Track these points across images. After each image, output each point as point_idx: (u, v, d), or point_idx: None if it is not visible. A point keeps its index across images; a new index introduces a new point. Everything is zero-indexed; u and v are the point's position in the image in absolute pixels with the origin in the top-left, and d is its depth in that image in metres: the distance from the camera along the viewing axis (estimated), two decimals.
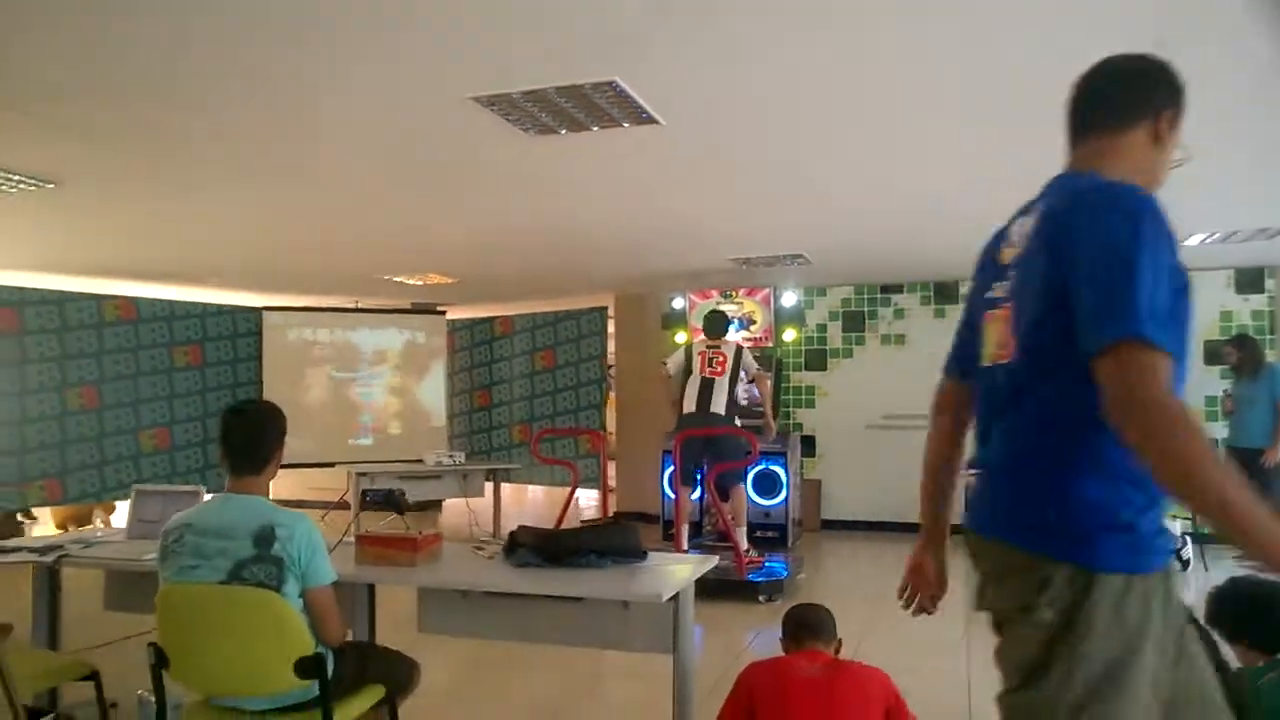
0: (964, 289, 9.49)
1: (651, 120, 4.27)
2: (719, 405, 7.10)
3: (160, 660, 2.70)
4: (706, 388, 7.14)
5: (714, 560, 3.59)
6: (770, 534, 8.45)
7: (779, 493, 8.62)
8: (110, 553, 3.70)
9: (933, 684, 4.40)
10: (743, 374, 7.29)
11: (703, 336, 7.46)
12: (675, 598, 3.06)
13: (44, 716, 3.64)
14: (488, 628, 3.48)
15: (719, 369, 7.17)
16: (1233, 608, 2.87)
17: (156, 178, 5.50)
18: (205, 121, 4.42)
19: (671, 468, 7.62)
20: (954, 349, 2.15)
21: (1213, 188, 5.77)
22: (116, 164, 5.16)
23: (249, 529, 2.64)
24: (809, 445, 9.97)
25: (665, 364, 7.55)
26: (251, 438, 2.82)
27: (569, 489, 8.00)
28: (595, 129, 4.40)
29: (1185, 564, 7.35)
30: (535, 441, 8.72)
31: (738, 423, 7.31)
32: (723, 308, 9.35)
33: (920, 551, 2.21)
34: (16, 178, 5.30)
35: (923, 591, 2.19)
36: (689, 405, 7.16)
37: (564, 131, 4.45)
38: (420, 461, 9.17)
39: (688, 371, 7.27)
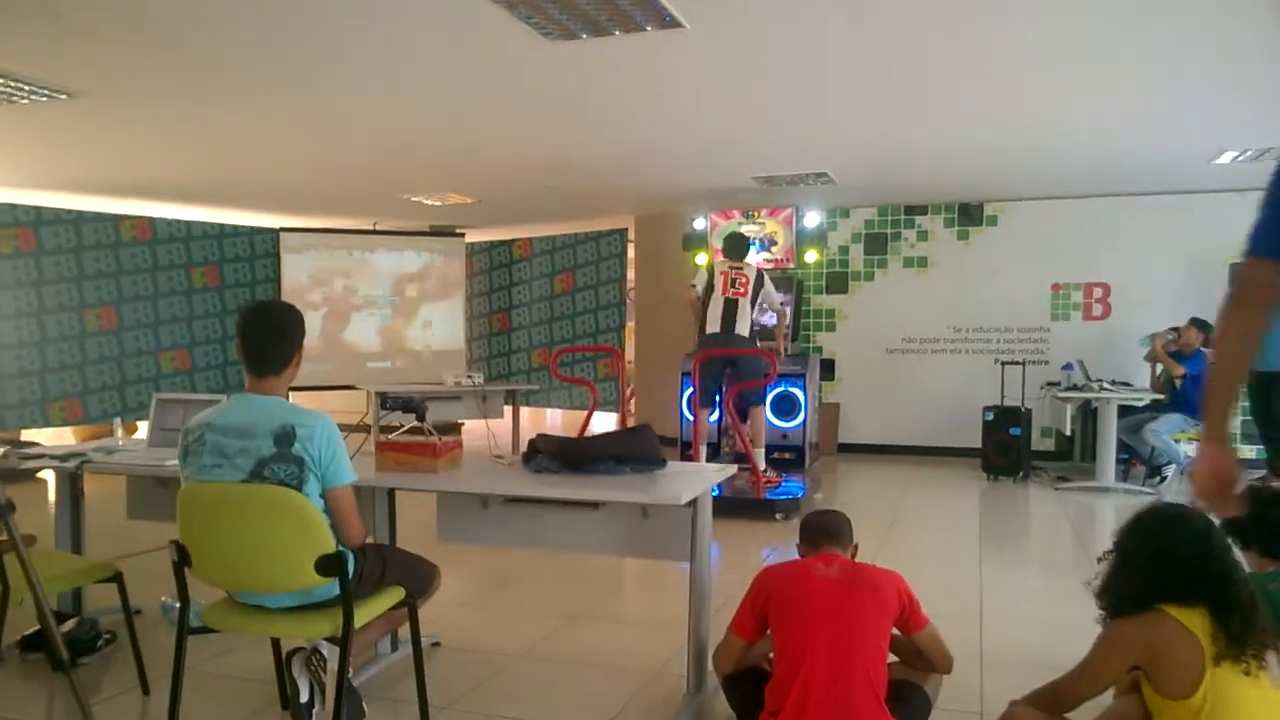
0: (989, 211, 9.43)
1: (675, 24, 4.16)
2: (743, 326, 7.04)
3: (182, 558, 2.72)
4: (730, 308, 7.06)
5: (732, 469, 3.59)
6: (788, 455, 8.46)
7: (797, 415, 8.62)
8: (132, 460, 3.73)
9: (947, 593, 4.42)
10: (763, 300, 7.21)
11: (723, 258, 7.37)
12: (694, 504, 3.06)
13: (69, 619, 3.70)
14: (506, 535, 3.50)
15: (742, 290, 7.09)
16: (1247, 517, 2.86)
17: (173, 91, 5.44)
18: (220, 32, 4.35)
19: (690, 390, 7.61)
20: (1271, 234, 1.97)
21: (1248, 103, 5.62)
22: (130, 75, 5.10)
23: (269, 428, 2.64)
24: (828, 369, 9.94)
25: (693, 285, 7.47)
26: (272, 337, 2.78)
27: (587, 410, 8.01)
28: (618, 34, 4.30)
29: None
30: (554, 360, 8.71)
31: (758, 344, 7.26)
32: (744, 228, 9.25)
33: (1219, 450, 2.02)
34: (29, 88, 5.24)
35: (1226, 490, 2.03)
36: (712, 325, 7.09)
37: (585, 36, 4.35)
38: (440, 384, 9.18)
39: (709, 290, 7.21)
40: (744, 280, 7.11)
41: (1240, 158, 7.08)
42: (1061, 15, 4.19)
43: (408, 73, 5.13)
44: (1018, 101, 5.66)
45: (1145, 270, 8.99)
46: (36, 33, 4.33)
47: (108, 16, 4.13)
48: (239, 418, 2.69)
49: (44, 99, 5.45)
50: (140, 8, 4.02)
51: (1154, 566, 2.33)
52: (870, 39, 4.51)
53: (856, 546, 3.00)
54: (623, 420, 8.26)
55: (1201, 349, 7.61)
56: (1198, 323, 7.67)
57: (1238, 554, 2.50)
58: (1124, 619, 2.36)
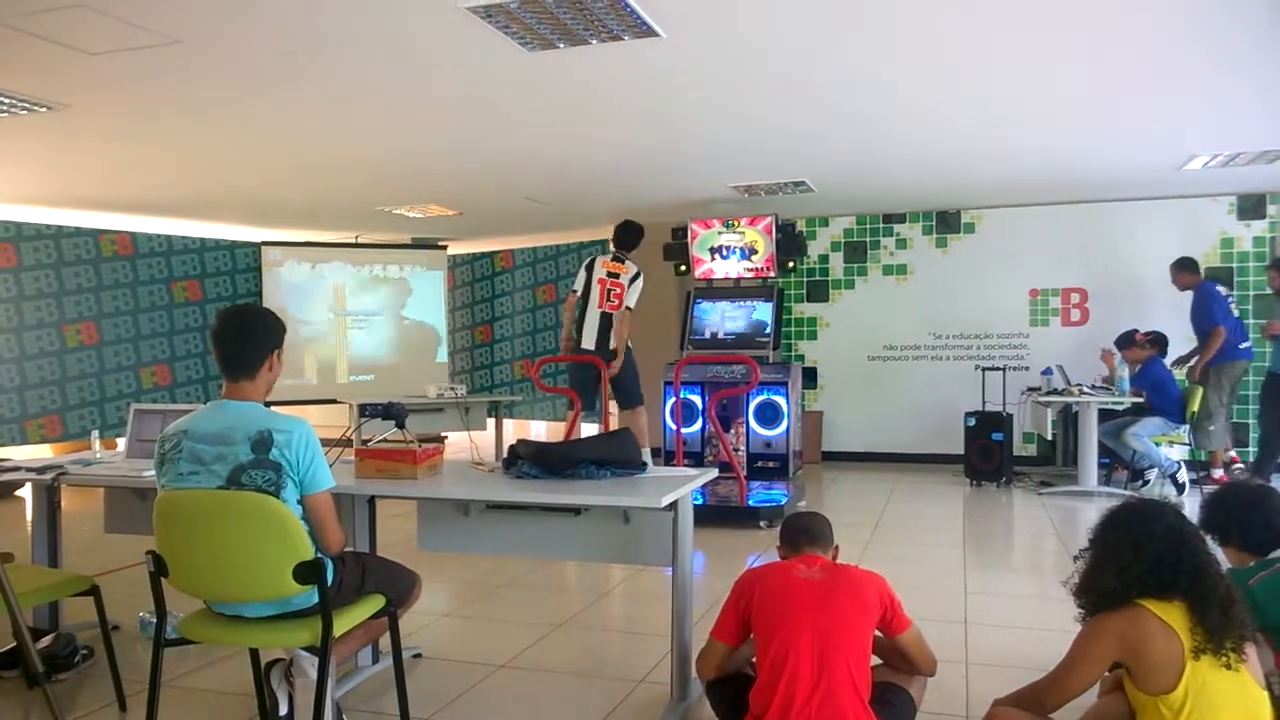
0: (966, 219, 9.46)
1: (651, 32, 4.18)
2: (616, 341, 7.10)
3: (159, 568, 2.69)
4: (605, 323, 7.12)
5: (713, 472, 3.60)
6: (771, 464, 8.45)
7: (780, 423, 8.61)
8: (109, 471, 3.70)
9: (932, 597, 4.43)
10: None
11: (608, 253, 7.34)
12: (674, 506, 3.05)
13: (46, 635, 3.66)
14: (487, 543, 3.49)
15: (616, 303, 7.07)
16: (1224, 511, 2.90)
17: (154, 105, 5.42)
18: (201, 48, 4.35)
19: (673, 399, 7.60)
20: None
21: (1216, 108, 5.68)
22: (111, 88, 5.07)
23: (246, 434, 2.61)
24: (810, 377, 9.95)
25: (574, 290, 7.38)
26: (241, 339, 2.74)
27: (570, 420, 7.98)
28: (594, 43, 4.31)
29: (1181, 488, 7.38)
30: (536, 370, 8.69)
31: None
32: (724, 238, 9.27)
33: None
34: (8, 100, 5.20)
35: None
36: (587, 340, 7.18)
37: (563, 46, 4.36)
38: (422, 396, 9.15)
39: (586, 296, 7.21)
40: (618, 292, 7.07)
41: (1210, 163, 7.16)
42: (1037, 31, 4.25)
43: (387, 86, 5.13)
44: (992, 112, 5.71)
45: (1122, 275, 9.05)
46: (16, 45, 4.30)
47: (87, 31, 4.11)
48: (215, 424, 2.66)
49: (23, 111, 5.42)
50: (120, 26, 4.01)
51: (1130, 562, 2.34)
52: (847, 47, 4.53)
53: (837, 548, 3.00)
54: (605, 428, 8.22)
55: (1156, 355, 7.76)
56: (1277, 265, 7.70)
57: (1214, 548, 2.52)
58: (1102, 615, 2.36)
